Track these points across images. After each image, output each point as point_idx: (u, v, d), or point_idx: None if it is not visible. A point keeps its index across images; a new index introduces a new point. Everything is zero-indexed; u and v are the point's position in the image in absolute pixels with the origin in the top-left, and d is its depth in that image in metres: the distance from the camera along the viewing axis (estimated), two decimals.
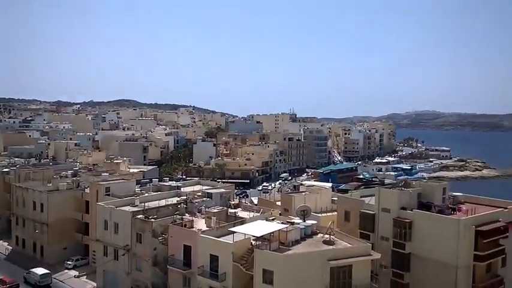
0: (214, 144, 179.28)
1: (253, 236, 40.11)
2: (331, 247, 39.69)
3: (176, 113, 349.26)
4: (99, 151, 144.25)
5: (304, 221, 44.87)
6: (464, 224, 40.54)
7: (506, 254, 43.05)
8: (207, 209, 50.92)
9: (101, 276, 53.54)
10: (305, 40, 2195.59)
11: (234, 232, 41.47)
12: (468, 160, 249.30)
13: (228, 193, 59.95)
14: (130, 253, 49.58)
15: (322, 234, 42.68)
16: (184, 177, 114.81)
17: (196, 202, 53.96)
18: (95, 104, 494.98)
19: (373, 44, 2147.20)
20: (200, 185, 70.60)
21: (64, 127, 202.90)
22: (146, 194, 61.18)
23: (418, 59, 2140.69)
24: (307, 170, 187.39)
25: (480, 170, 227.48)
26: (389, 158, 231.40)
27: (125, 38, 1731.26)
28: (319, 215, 53.38)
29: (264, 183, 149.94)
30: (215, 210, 49.28)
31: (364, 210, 47.59)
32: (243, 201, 76.58)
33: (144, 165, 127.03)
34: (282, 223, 43.44)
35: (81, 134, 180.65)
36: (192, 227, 46.26)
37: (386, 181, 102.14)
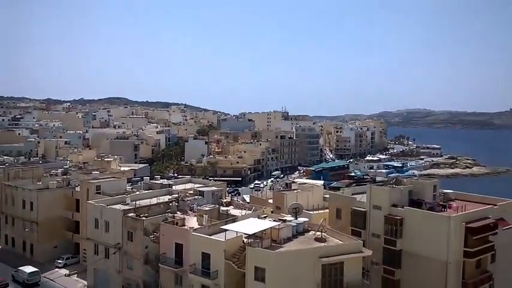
0: (206, 142, 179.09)
1: (245, 234, 40.13)
2: (322, 244, 39.77)
3: (168, 111, 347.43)
4: (90, 149, 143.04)
5: (296, 219, 44.91)
6: (455, 221, 40.88)
7: (495, 250, 43.48)
8: (198, 207, 50.81)
9: (92, 274, 53.12)
10: (305, 40, 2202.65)
11: (226, 230, 41.40)
12: (459, 158, 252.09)
13: (219, 191, 59.72)
14: (122, 251, 49.21)
15: (314, 232, 42.80)
16: (176, 175, 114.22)
17: (188, 200, 53.78)
18: (85, 101, 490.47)
19: (373, 44, 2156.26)
20: (192, 183, 70.43)
21: (54, 125, 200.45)
22: (137, 192, 60.80)
23: (418, 59, 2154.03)
24: (299, 167, 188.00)
25: (470, 168, 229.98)
26: (381, 156, 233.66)
27: (124, 38, 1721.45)
28: (311, 212, 53.55)
29: (256, 181, 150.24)
30: (207, 208, 49.15)
31: (356, 208, 47.70)
32: (235, 199, 76.66)
33: (135, 163, 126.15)
34: (274, 221, 43.50)
35: (71, 132, 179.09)
36: (184, 225, 46.13)
37: (378, 179, 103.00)
